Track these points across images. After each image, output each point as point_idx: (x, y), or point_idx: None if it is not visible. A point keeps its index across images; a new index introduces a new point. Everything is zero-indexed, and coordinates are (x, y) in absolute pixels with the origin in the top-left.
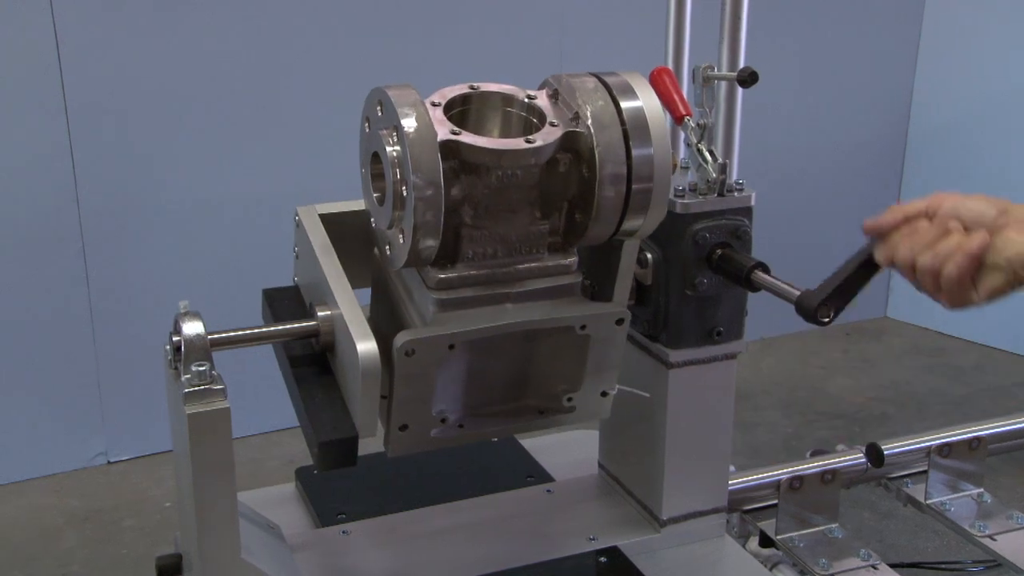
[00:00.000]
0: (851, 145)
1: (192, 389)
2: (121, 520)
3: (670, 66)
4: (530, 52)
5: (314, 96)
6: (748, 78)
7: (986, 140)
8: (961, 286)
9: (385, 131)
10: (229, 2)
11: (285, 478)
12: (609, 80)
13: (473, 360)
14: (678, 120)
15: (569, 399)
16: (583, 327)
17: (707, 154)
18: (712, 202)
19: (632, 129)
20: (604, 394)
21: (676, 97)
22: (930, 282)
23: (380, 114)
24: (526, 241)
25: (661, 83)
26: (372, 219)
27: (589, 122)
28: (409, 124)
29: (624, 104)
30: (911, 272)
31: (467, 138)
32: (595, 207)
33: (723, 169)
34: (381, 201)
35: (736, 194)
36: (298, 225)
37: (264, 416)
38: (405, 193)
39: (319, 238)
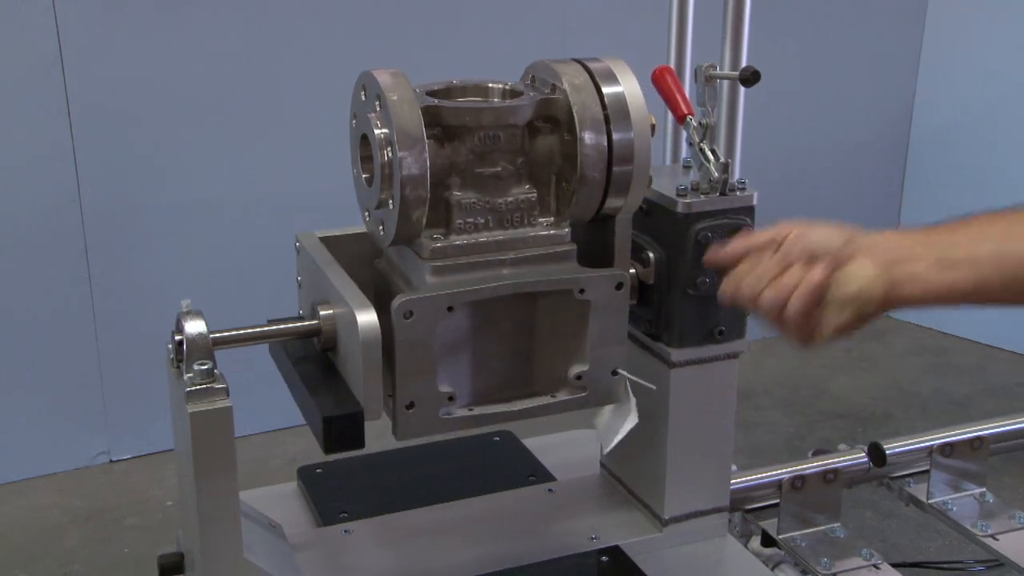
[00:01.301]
0: (853, 145)
1: (194, 388)
2: (123, 519)
3: (672, 65)
4: (532, 53)
5: (315, 97)
6: (750, 77)
7: (988, 140)
8: (806, 322)
9: (372, 115)
10: (231, 3)
11: (287, 477)
12: (590, 64)
13: (474, 331)
14: (680, 119)
15: (578, 377)
16: (582, 291)
17: (709, 153)
18: (714, 201)
19: (613, 113)
20: (615, 373)
21: (678, 96)
22: (775, 318)
23: (364, 98)
24: (516, 210)
25: (663, 82)
26: (365, 212)
27: (566, 88)
28: (391, 92)
29: (605, 89)
30: (755, 307)
31: (447, 102)
32: (579, 168)
33: (725, 168)
34: (370, 182)
35: (738, 193)
36: (299, 251)
37: (266, 415)
38: (391, 155)
39: (320, 253)
